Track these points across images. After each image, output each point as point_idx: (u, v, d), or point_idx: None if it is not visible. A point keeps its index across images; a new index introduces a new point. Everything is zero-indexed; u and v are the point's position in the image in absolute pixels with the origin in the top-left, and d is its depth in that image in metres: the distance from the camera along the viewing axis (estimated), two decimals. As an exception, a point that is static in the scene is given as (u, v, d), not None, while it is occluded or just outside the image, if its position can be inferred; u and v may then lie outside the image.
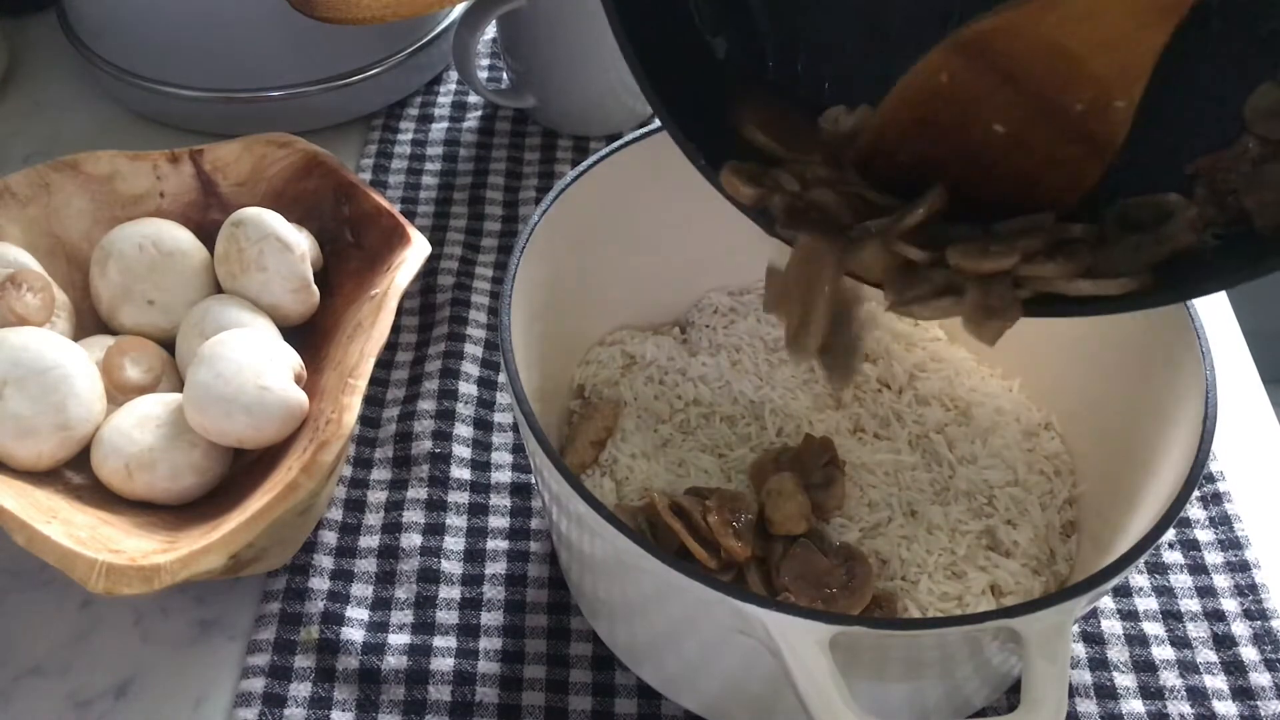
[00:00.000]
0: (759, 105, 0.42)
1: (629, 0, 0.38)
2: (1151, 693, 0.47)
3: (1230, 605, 0.49)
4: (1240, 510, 0.52)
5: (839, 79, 0.42)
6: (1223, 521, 0.52)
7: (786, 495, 0.46)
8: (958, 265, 0.36)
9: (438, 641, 0.48)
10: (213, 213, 0.56)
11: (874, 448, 0.50)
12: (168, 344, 0.52)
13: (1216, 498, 0.53)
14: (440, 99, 0.71)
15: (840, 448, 0.49)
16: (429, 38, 0.69)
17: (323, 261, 0.55)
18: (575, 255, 0.48)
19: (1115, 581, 0.37)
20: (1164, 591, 0.50)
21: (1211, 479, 0.54)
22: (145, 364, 0.51)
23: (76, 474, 0.48)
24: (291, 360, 0.48)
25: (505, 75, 0.71)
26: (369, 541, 0.51)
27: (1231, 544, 0.51)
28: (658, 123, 0.43)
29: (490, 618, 0.48)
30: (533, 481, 0.53)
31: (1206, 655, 0.48)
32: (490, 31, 0.73)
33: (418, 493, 0.52)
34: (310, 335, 0.53)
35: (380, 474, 0.53)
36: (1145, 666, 0.47)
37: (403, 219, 0.53)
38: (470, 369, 0.56)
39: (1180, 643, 0.48)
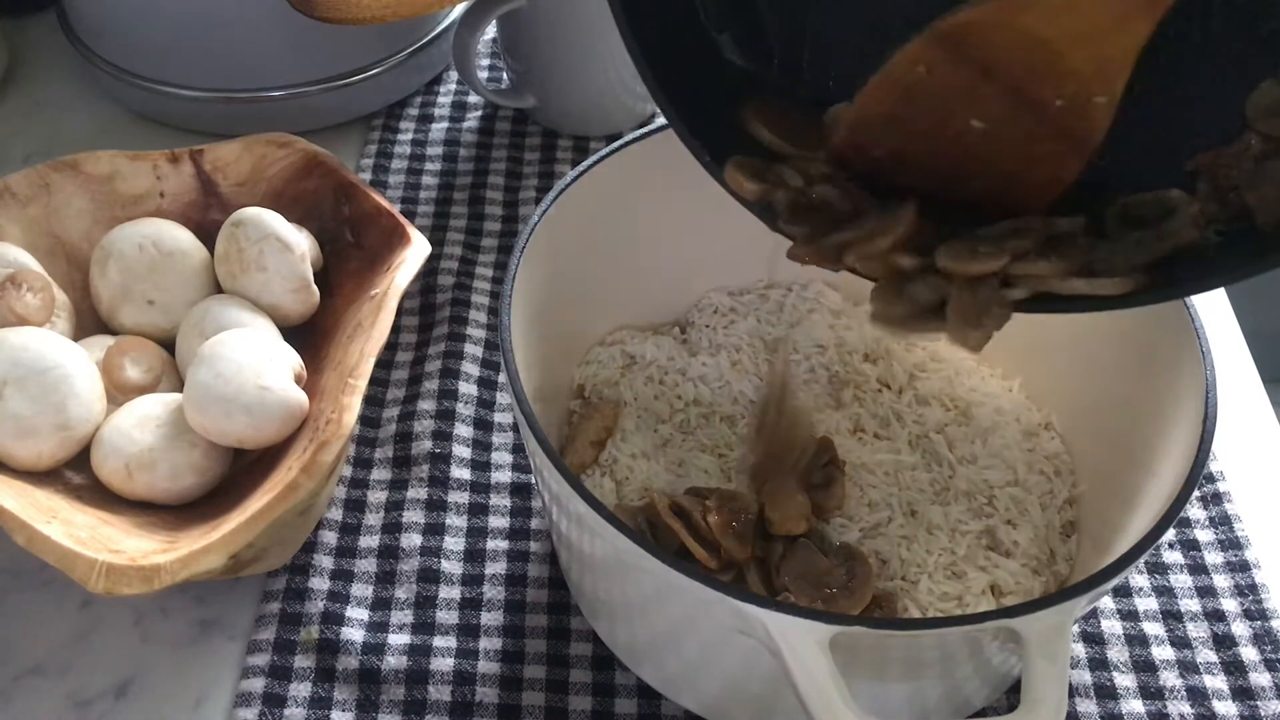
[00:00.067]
0: (763, 101, 0.42)
1: None
2: (1151, 693, 0.47)
3: (1230, 605, 0.49)
4: (1240, 510, 0.52)
5: (842, 76, 0.42)
6: (1223, 521, 0.52)
7: (786, 495, 0.46)
8: (946, 267, 0.36)
9: (438, 641, 0.48)
10: (213, 213, 0.56)
11: (874, 448, 0.50)
12: (168, 344, 0.52)
13: (1216, 498, 0.53)
14: (440, 99, 0.71)
15: (840, 448, 0.49)
16: (429, 38, 0.69)
17: (323, 261, 0.55)
18: (575, 255, 0.48)
19: (1115, 581, 0.37)
20: (1164, 591, 0.50)
21: (1211, 479, 0.54)
22: (145, 364, 0.51)
23: (76, 474, 0.48)
24: (291, 360, 0.48)
25: (505, 75, 0.71)
26: (369, 541, 0.51)
27: (1231, 544, 0.51)
28: (658, 123, 0.43)
29: (490, 618, 0.48)
30: (533, 481, 0.53)
31: (1206, 655, 0.48)
32: (490, 31, 0.73)
33: (418, 493, 0.52)
34: (310, 335, 0.53)
35: (380, 474, 0.53)
36: (1145, 666, 0.47)
37: (403, 219, 0.53)
38: (470, 369, 0.56)
39: (1180, 643, 0.48)
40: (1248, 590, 0.50)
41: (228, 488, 0.49)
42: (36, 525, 0.42)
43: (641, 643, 0.45)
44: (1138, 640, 0.48)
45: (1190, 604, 0.49)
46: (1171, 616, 0.49)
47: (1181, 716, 0.46)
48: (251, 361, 0.47)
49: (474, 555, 0.50)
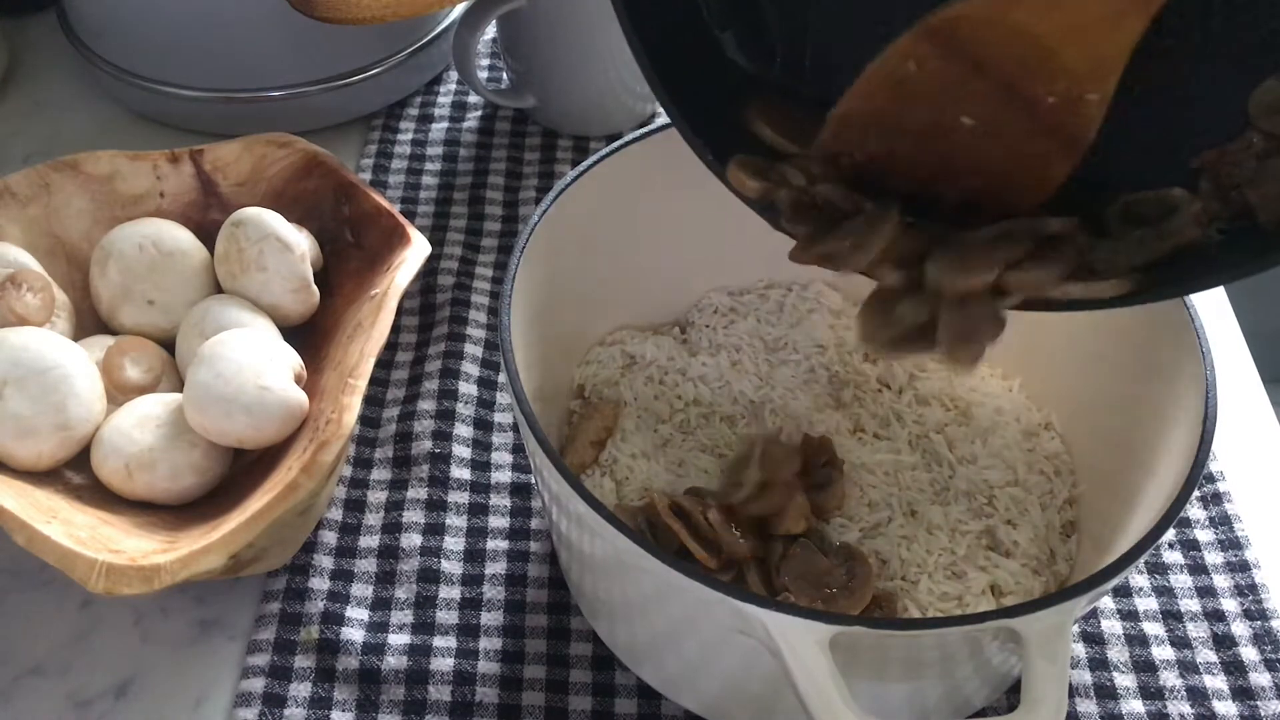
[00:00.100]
0: (766, 101, 0.42)
1: None
2: (1151, 693, 0.47)
3: (1230, 605, 0.49)
4: (1240, 510, 0.52)
5: (845, 75, 0.42)
6: (1223, 521, 0.52)
7: (786, 495, 0.46)
8: (935, 284, 0.36)
9: (438, 641, 0.48)
10: (213, 213, 0.56)
11: (874, 448, 0.50)
12: (168, 344, 0.52)
13: (1216, 498, 0.53)
14: (440, 99, 0.71)
15: (840, 448, 0.49)
16: (429, 38, 0.69)
17: (323, 261, 0.55)
18: (575, 255, 0.48)
19: (1115, 581, 0.37)
20: (1164, 591, 0.50)
21: (1211, 479, 0.54)
22: (145, 364, 0.51)
23: (76, 474, 0.48)
24: (291, 360, 0.48)
25: (505, 75, 0.71)
26: (369, 541, 0.51)
27: (1231, 544, 0.51)
28: (658, 123, 0.43)
29: (490, 618, 0.48)
30: (533, 481, 0.53)
31: (1206, 655, 0.48)
32: (490, 31, 0.73)
33: (418, 493, 0.52)
34: (310, 335, 0.53)
35: (380, 474, 0.53)
36: (1145, 666, 0.47)
37: (403, 219, 0.53)
38: (470, 369, 0.56)
39: (1180, 643, 0.48)
40: (1248, 590, 0.50)
41: (228, 488, 0.49)
42: (36, 525, 0.42)
43: (641, 643, 0.45)
44: (1138, 640, 0.48)
45: (1190, 604, 0.49)
46: (1171, 616, 0.49)
47: (1181, 716, 0.46)
48: (251, 361, 0.47)
49: (474, 555, 0.50)
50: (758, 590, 0.44)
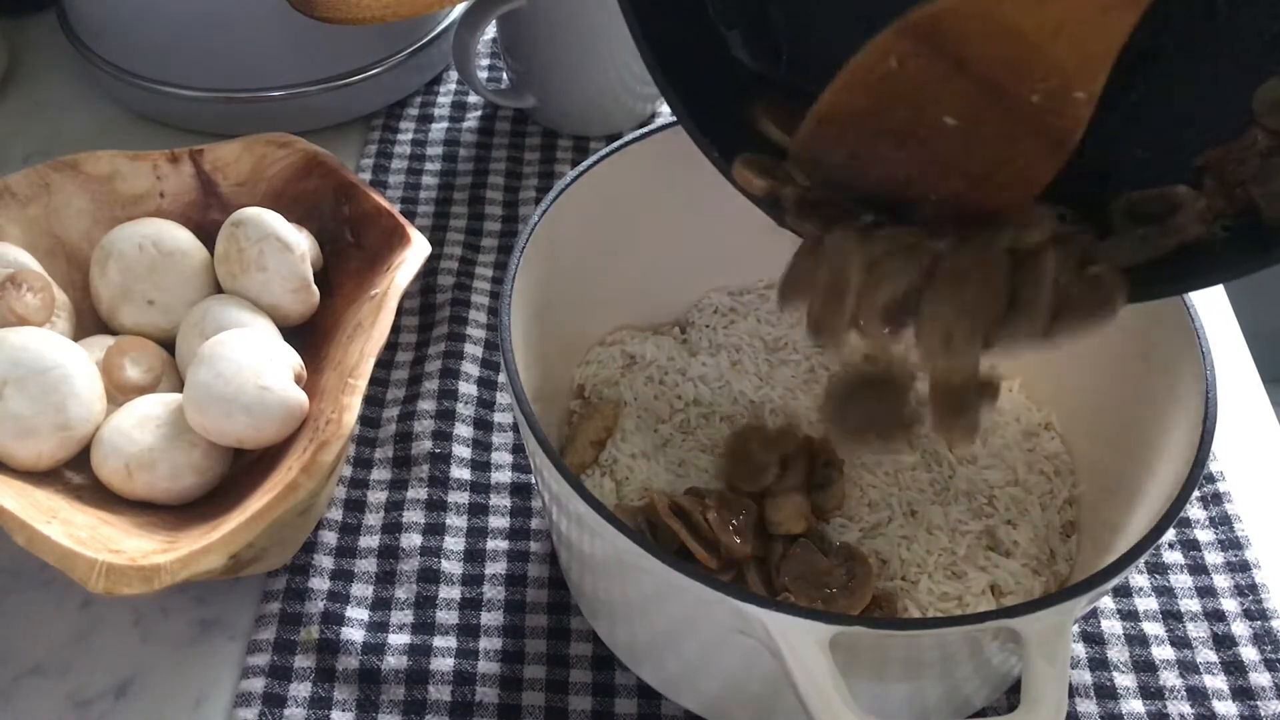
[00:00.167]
0: (772, 99, 0.42)
1: None
2: (1151, 693, 0.47)
3: (1230, 605, 0.49)
4: (1240, 510, 0.52)
5: None
6: (1223, 521, 0.52)
7: (785, 495, 0.46)
8: (928, 370, 0.36)
9: (438, 641, 0.48)
10: (213, 213, 0.56)
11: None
12: (168, 344, 0.52)
13: (1216, 498, 0.53)
14: (440, 99, 0.71)
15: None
16: (429, 38, 0.69)
17: (323, 261, 0.55)
18: (575, 255, 0.48)
19: (1115, 581, 0.37)
20: (1164, 591, 0.50)
21: (1211, 479, 0.54)
22: (145, 364, 0.51)
23: (76, 474, 0.48)
24: (291, 360, 0.48)
25: (505, 75, 0.71)
26: (369, 541, 0.51)
27: (1231, 544, 0.51)
28: (658, 123, 0.43)
29: (490, 618, 0.48)
30: (533, 481, 0.53)
31: (1206, 655, 0.48)
32: (490, 31, 0.73)
33: (418, 493, 0.52)
34: (310, 335, 0.53)
35: (380, 474, 0.53)
36: (1145, 666, 0.47)
37: (403, 219, 0.53)
38: (470, 369, 0.56)
39: (1180, 643, 0.48)
40: (1248, 590, 0.50)
41: (228, 488, 0.49)
42: (36, 525, 0.42)
43: (641, 643, 0.45)
44: (1138, 640, 0.48)
45: (1190, 604, 0.49)
46: (1171, 616, 0.49)
47: (1181, 716, 0.46)
48: (251, 361, 0.47)
49: (474, 555, 0.50)
50: (758, 590, 0.44)
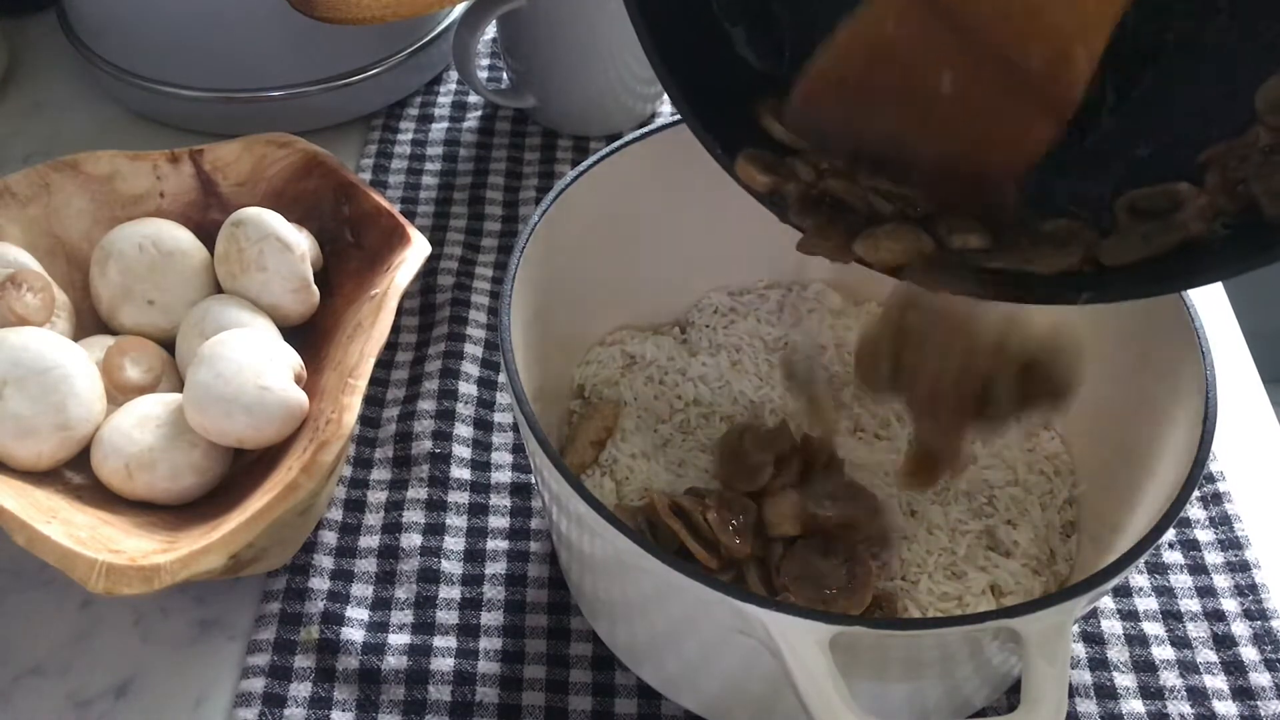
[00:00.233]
0: (775, 97, 0.42)
1: None
2: (1151, 693, 0.47)
3: (1230, 605, 0.49)
4: (1240, 510, 0.52)
5: None
6: (1223, 521, 0.52)
7: (780, 495, 0.46)
8: (915, 427, 0.37)
9: (438, 641, 0.48)
10: (213, 213, 0.56)
11: (874, 448, 0.50)
12: (168, 344, 0.52)
13: (1216, 498, 0.53)
14: (440, 99, 0.71)
15: (840, 448, 0.49)
16: (429, 38, 0.69)
17: (323, 261, 0.55)
18: (575, 255, 0.48)
19: (1115, 581, 0.37)
20: (1164, 591, 0.50)
21: (1211, 479, 0.54)
22: (145, 364, 0.51)
23: (76, 474, 0.48)
24: (291, 360, 0.48)
25: (505, 75, 0.71)
26: (369, 541, 0.51)
27: (1231, 544, 0.51)
28: (658, 123, 0.43)
29: (490, 618, 0.48)
30: (533, 481, 0.53)
31: (1206, 655, 0.48)
32: (490, 31, 0.73)
33: (418, 493, 0.52)
34: (310, 335, 0.53)
35: (380, 474, 0.53)
36: (1145, 666, 0.47)
37: (403, 219, 0.53)
38: (470, 369, 0.56)
39: (1180, 643, 0.48)
40: (1248, 590, 0.50)
41: (228, 488, 0.49)
42: (36, 525, 0.42)
43: (641, 643, 0.45)
44: (1138, 640, 0.48)
45: (1190, 604, 0.49)
46: (1171, 616, 0.49)
47: (1181, 716, 0.46)
48: (251, 361, 0.47)
49: (474, 555, 0.50)
50: (758, 590, 0.44)
